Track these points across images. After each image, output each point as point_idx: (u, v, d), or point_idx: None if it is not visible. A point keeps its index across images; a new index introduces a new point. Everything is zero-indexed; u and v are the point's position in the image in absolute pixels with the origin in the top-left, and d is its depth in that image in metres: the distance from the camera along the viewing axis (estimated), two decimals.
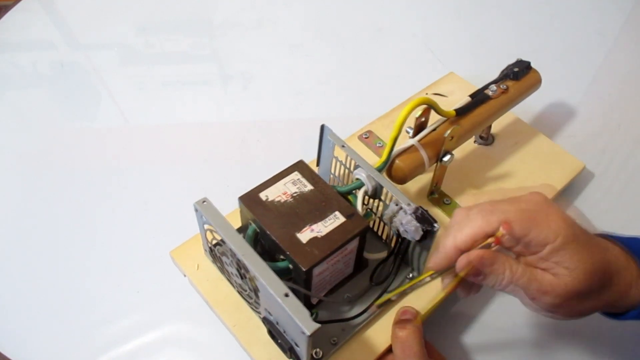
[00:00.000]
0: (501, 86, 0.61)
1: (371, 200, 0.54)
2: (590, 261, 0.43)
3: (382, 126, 0.69)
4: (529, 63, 0.64)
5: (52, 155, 0.73)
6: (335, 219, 0.49)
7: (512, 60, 0.65)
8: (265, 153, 0.73)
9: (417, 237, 0.48)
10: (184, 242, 0.57)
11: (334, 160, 0.56)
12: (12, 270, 0.62)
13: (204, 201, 0.47)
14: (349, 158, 0.54)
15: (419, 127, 0.57)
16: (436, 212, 0.62)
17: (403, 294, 0.54)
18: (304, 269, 0.46)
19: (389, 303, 0.53)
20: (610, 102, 0.81)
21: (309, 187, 0.51)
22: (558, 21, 0.93)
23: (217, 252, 0.51)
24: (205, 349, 0.56)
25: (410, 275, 0.54)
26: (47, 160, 0.72)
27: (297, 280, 0.48)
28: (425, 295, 0.54)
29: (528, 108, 0.75)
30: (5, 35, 0.90)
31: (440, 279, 0.48)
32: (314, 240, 0.47)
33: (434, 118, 0.57)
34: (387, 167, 0.55)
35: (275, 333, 0.47)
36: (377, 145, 0.67)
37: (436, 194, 0.62)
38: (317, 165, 0.58)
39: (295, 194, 0.51)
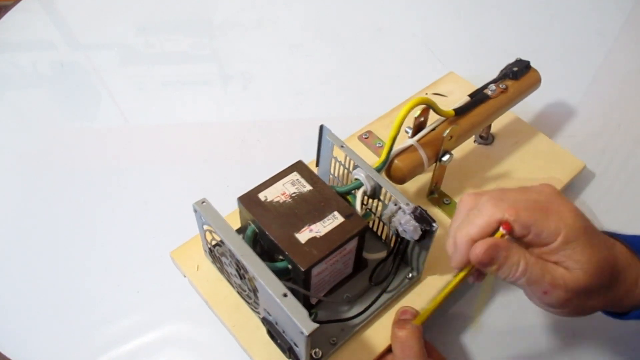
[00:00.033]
0: (500, 86, 0.61)
1: (370, 201, 0.54)
2: (601, 256, 0.43)
3: (382, 126, 0.69)
4: (528, 62, 0.64)
5: (52, 155, 0.73)
6: (334, 219, 0.49)
7: (512, 60, 0.65)
8: (265, 153, 0.73)
9: (416, 237, 0.48)
10: (184, 243, 0.57)
11: (333, 161, 0.56)
12: (12, 270, 0.62)
13: (203, 202, 0.47)
14: (348, 158, 0.54)
15: (418, 127, 0.57)
16: (436, 212, 0.62)
17: (402, 295, 0.54)
18: (302, 269, 0.46)
19: (390, 303, 0.53)
20: (610, 102, 0.81)
21: (308, 187, 0.51)
22: (558, 21, 0.93)
23: (216, 252, 0.51)
24: (205, 349, 0.56)
25: (410, 275, 0.54)
26: (47, 160, 0.72)
27: (296, 281, 0.48)
28: (424, 295, 0.54)
29: (528, 108, 0.75)
30: (5, 35, 0.90)
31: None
32: (312, 241, 0.47)
33: (433, 118, 0.57)
34: (386, 167, 0.55)
35: (274, 333, 0.47)
36: (377, 145, 0.67)
37: (436, 194, 0.62)
38: (317, 165, 0.58)
39: (294, 195, 0.51)
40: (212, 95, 0.81)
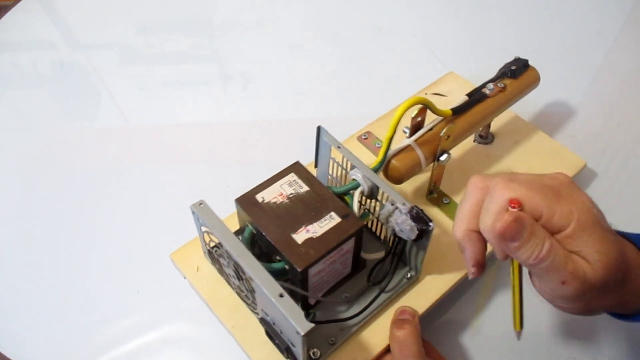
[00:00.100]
0: (499, 84, 0.61)
1: (368, 201, 0.54)
2: (617, 250, 0.40)
3: (381, 127, 0.69)
4: (526, 61, 0.64)
5: (52, 155, 0.73)
6: (331, 220, 0.49)
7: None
8: (265, 153, 0.73)
9: (413, 237, 0.48)
10: (184, 245, 0.57)
11: (331, 162, 0.56)
12: (12, 270, 0.62)
13: (200, 204, 0.48)
14: (345, 159, 0.54)
15: (416, 127, 0.57)
16: (435, 211, 0.62)
17: (400, 294, 0.54)
18: (299, 270, 0.46)
19: (388, 303, 0.53)
20: (610, 102, 0.81)
21: (305, 188, 0.51)
22: (558, 21, 0.93)
23: (215, 254, 0.51)
24: (205, 349, 0.56)
25: (408, 275, 0.54)
26: (47, 160, 0.73)
27: (294, 281, 0.48)
28: (423, 295, 0.54)
29: (528, 108, 0.75)
30: (5, 35, 0.91)
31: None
32: (309, 241, 0.47)
33: (431, 118, 0.57)
34: (384, 167, 0.55)
35: (272, 334, 0.47)
36: (376, 146, 0.67)
37: (435, 194, 0.62)
38: (315, 166, 0.58)
39: (291, 195, 0.51)
40: (212, 95, 0.81)
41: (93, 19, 0.92)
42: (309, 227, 0.48)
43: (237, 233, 0.54)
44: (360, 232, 0.49)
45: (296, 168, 0.53)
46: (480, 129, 0.66)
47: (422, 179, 0.63)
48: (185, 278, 0.57)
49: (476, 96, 0.60)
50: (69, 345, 0.57)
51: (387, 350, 0.51)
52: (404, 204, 0.49)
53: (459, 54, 0.87)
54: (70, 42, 0.89)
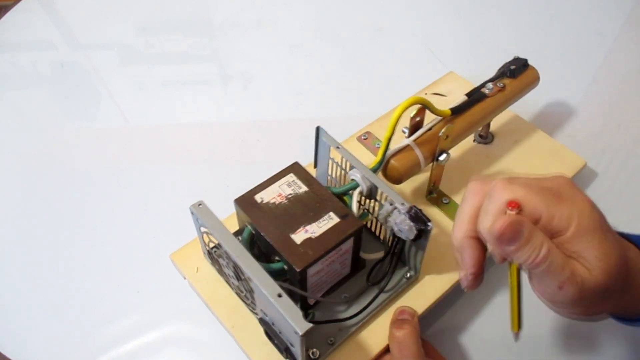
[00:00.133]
0: (498, 84, 0.61)
1: (368, 201, 0.54)
2: (618, 255, 0.39)
3: (381, 127, 0.69)
4: (525, 60, 0.63)
5: (52, 155, 0.73)
6: (330, 220, 0.49)
7: None
8: (265, 153, 0.73)
9: (411, 237, 0.48)
10: (184, 245, 0.57)
11: (330, 162, 0.56)
12: (12, 270, 0.62)
13: (199, 204, 0.48)
14: (344, 159, 0.54)
15: (415, 127, 0.57)
16: (435, 211, 0.62)
17: (400, 294, 0.54)
18: (297, 270, 0.46)
19: (388, 302, 0.53)
20: (610, 102, 0.81)
21: (304, 188, 0.51)
22: (558, 21, 0.93)
23: (214, 254, 0.51)
24: (205, 349, 0.56)
25: (408, 275, 0.54)
26: (47, 160, 0.73)
27: (293, 281, 0.48)
28: (422, 295, 0.54)
29: (528, 108, 0.74)
30: (5, 35, 0.91)
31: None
32: (308, 241, 0.48)
33: (431, 118, 0.57)
34: (383, 167, 0.55)
35: (271, 334, 0.47)
36: (376, 146, 0.67)
37: (435, 194, 0.62)
38: (315, 167, 0.58)
39: (290, 196, 0.51)
40: (212, 95, 0.81)
41: (93, 19, 0.92)
42: (308, 228, 0.48)
43: (237, 233, 0.54)
44: (359, 232, 0.49)
45: (295, 168, 0.53)
46: (480, 128, 0.66)
47: (421, 179, 0.63)
48: (185, 279, 0.57)
49: (475, 96, 0.60)
50: (69, 345, 0.57)
51: (387, 350, 0.51)
52: (402, 204, 0.49)
53: (459, 54, 0.87)
54: (70, 42, 0.89)
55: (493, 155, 0.68)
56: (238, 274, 0.47)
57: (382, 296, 0.52)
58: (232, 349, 0.53)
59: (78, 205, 0.67)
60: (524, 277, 0.44)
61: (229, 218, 0.57)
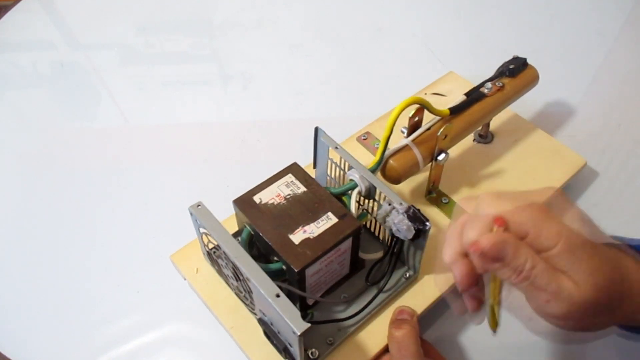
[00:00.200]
0: (497, 84, 0.61)
1: (367, 201, 0.54)
2: (609, 270, 0.38)
3: (381, 127, 0.69)
4: (525, 60, 0.63)
5: (52, 155, 0.73)
6: (328, 220, 0.49)
7: None
8: (265, 153, 0.73)
9: (410, 236, 0.48)
10: (184, 246, 0.57)
11: (329, 162, 0.56)
12: (12, 270, 0.62)
13: (198, 205, 0.48)
14: (342, 159, 0.54)
15: (413, 127, 0.57)
16: (434, 211, 0.61)
17: (399, 294, 0.54)
18: (295, 270, 0.46)
19: (387, 302, 0.53)
20: (610, 102, 0.81)
21: (302, 189, 0.52)
22: (558, 21, 0.93)
23: (214, 255, 0.51)
24: (204, 349, 0.56)
25: (407, 274, 0.54)
26: (47, 160, 0.73)
27: (292, 282, 0.48)
28: (422, 295, 0.54)
29: (528, 108, 0.74)
30: (5, 35, 0.91)
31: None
32: (306, 242, 0.48)
33: (430, 118, 0.57)
34: (381, 167, 0.55)
35: (270, 334, 0.47)
36: (375, 146, 0.67)
37: (434, 193, 0.62)
38: (314, 167, 0.58)
39: (288, 196, 0.51)
40: (212, 95, 0.81)
41: (93, 19, 0.92)
42: (306, 228, 0.48)
43: (237, 234, 0.54)
44: (357, 233, 0.49)
45: (293, 169, 0.53)
46: (479, 128, 0.66)
47: (421, 178, 0.63)
48: (185, 279, 0.57)
49: (474, 95, 0.60)
50: (69, 345, 0.57)
51: (386, 350, 0.51)
52: (400, 204, 0.49)
53: (459, 54, 0.87)
54: (70, 42, 0.89)
55: (493, 155, 0.67)
56: (237, 274, 0.47)
57: (381, 296, 0.52)
58: (232, 349, 0.53)
59: (78, 205, 0.68)
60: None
61: (230, 218, 0.57)
